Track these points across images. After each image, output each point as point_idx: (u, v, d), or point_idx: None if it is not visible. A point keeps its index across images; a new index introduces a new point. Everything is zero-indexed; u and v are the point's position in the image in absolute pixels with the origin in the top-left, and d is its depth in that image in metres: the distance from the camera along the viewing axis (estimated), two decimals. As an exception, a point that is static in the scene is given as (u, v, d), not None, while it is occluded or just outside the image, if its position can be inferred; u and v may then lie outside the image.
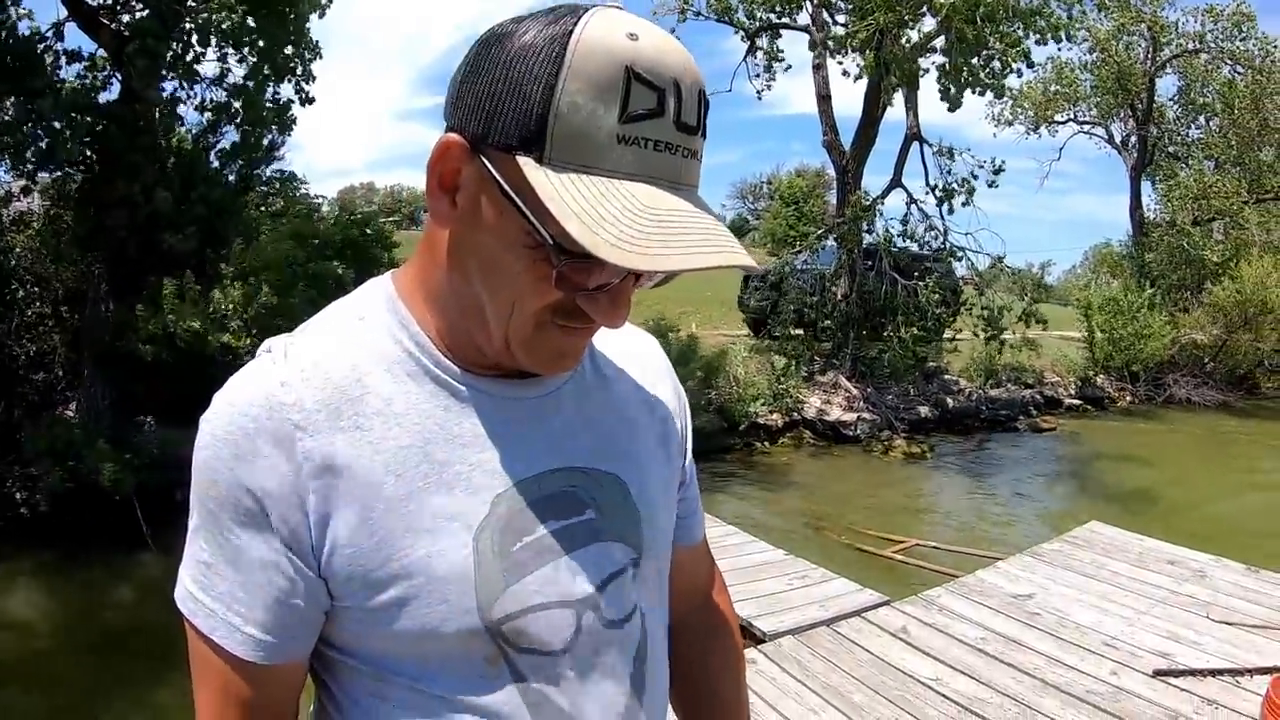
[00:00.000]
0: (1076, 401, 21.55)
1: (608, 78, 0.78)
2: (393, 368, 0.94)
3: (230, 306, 9.00)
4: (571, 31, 0.79)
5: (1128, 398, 22.96)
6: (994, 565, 6.64)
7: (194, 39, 10.33)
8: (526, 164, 0.80)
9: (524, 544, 0.94)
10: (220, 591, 0.90)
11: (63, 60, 9.97)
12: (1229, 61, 27.86)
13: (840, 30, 16.35)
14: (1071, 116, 31.97)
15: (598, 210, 0.77)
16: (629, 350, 1.17)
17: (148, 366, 8.95)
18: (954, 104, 16.00)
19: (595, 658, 0.99)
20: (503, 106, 0.81)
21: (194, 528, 0.92)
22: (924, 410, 17.30)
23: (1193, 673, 4.67)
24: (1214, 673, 4.67)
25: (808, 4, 17.70)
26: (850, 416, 15.85)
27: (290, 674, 0.95)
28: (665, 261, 0.77)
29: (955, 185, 16.97)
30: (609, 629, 1.00)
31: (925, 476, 14.11)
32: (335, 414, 0.90)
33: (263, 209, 10.93)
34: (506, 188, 0.81)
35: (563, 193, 0.78)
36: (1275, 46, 27.04)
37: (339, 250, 9.81)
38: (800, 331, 17.43)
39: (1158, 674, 4.65)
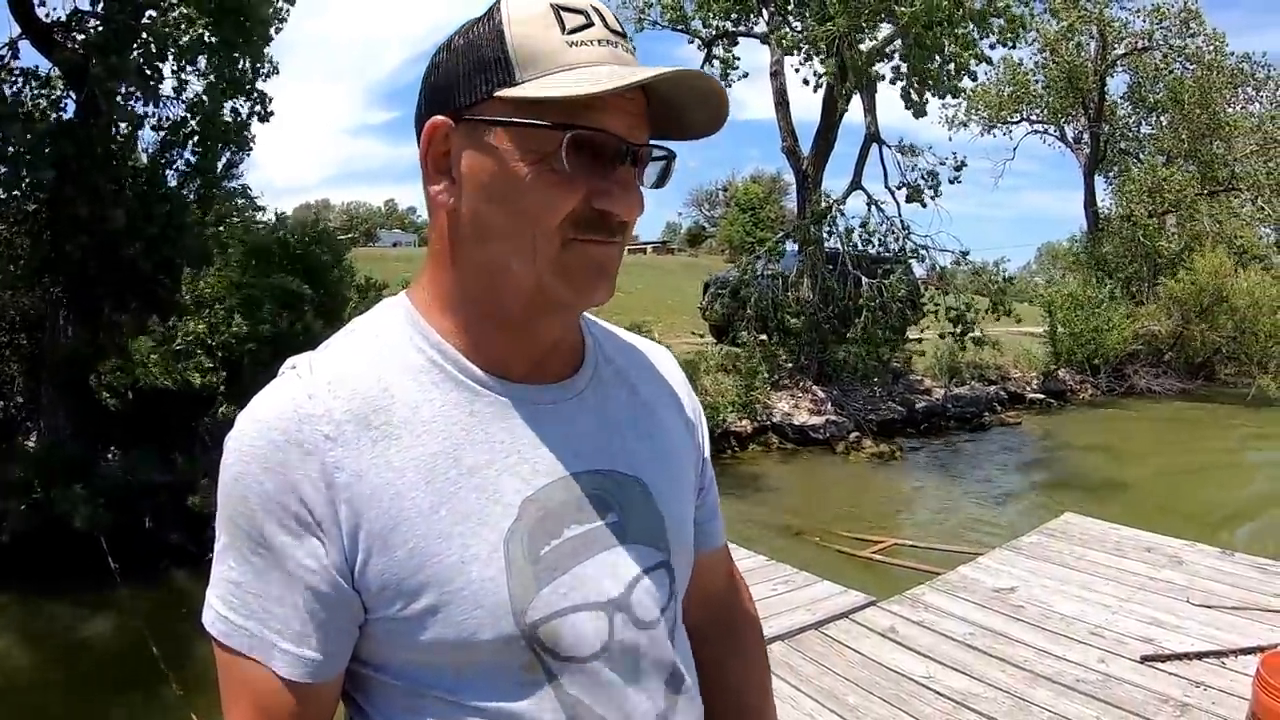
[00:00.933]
0: (1040, 396, 21.82)
1: (538, 14, 0.91)
2: (418, 376, 0.97)
3: (195, 339, 8.82)
4: (498, 6, 0.93)
5: (1089, 390, 23.27)
6: (974, 561, 6.65)
7: (152, 54, 10.18)
8: (506, 91, 0.90)
9: (552, 547, 0.96)
10: (253, 609, 0.90)
11: (19, 79, 9.81)
12: (1178, 58, 28.29)
13: (797, 35, 16.37)
14: (1024, 116, 32.36)
15: (578, 78, 0.88)
16: (646, 358, 1.21)
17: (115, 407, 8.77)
18: (918, 111, 16.15)
19: (628, 660, 1.00)
20: (467, 73, 0.93)
21: (222, 547, 0.92)
22: (891, 411, 17.38)
23: (1179, 657, 4.69)
24: (1199, 655, 4.70)
25: (764, 10, 17.77)
26: (818, 420, 15.91)
27: (327, 692, 0.95)
28: (648, 72, 0.89)
29: (921, 180, 17.09)
30: (640, 630, 1.01)
31: (896, 476, 14.21)
32: (364, 424, 0.92)
33: (220, 229, 10.69)
34: (500, 118, 0.91)
35: (546, 85, 0.89)
36: (1224, 40, 27.53)
37: (292, 263, 9.64)
38: (765, 337, 17.46)
39: (1145, 660, 4.66)
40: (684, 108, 0.97)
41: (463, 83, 0.93)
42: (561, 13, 0.91)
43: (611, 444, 1.05)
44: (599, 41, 0.92)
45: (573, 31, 0.91)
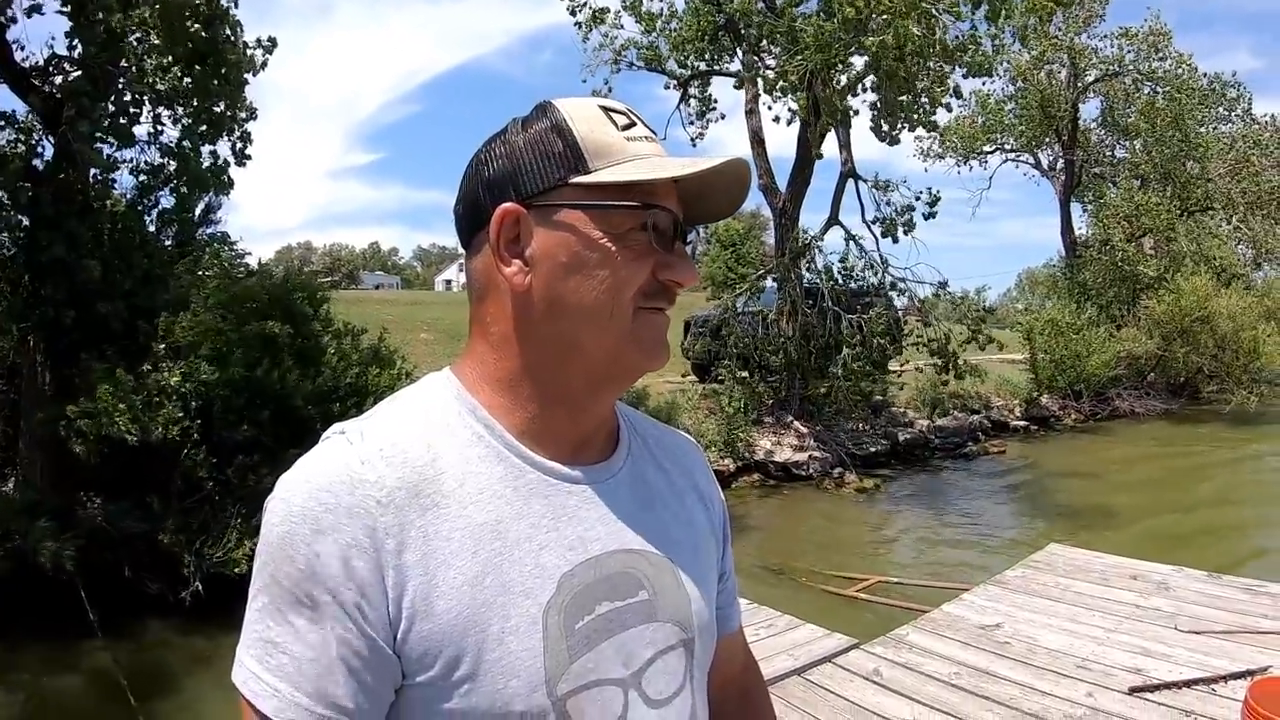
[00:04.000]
0: (1024, 423, 21.86)
1: (594, 115, 1.02)
2: (464, 450, 1.00)
3: (168, 386, 8.68)
4: (552, 106, 1.03)
5: (1073, 415, 23.33)
6: (959, 598, 6.56)
7: (128, 100, 10.14)
8: (582, 178, 0.99)
9: (585, 622, 0.98)
10: (287, 671, 0.89)
11: None
12: (1148, 82, 28.61)
13: (771, 74, 16.44)
14: (999, 146, 32.64)
15: (652, 166, 0.99)
16: (673, 445, 1.27)
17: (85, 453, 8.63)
18: (891, 140, 16.21)
19: None
20: (534, 165, 1.00)
21: (261, 606, 0.92)
22: (874, 444, 17.34)
23: (1168, 686, 4.63)
24: (1189, 684, 4.64)
25: (739, 50, 17.86)
26: (801, 456, 15.86)
27: None
28: (715, 160, 0.99)
29: (895, 216, 17.12)
30: (651, 708, 1.03)
31: (881, 511, 14.13)
32: (414, 492, 0.94)
33: (197, 274, 10.53)
34: (580, 201, 0.99)
35: (623, 171, 0.98)
36: (1190, 62, 27.87)
37: (267, 308, 9.51)
38: (746, 374, 17.42)
39: (1133, 691, 4.60)
40: (706, 195, 1.07)
41: (529, 173, 1.00)
42: (610, 113, 1.03)
43: (646, 524, 1.09)
44: (645, 138, 1.03)
45: (624, 129, 1.02)
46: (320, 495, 0.91)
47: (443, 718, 0.92)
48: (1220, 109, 30.41)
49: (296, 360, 9.06)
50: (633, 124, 1.03)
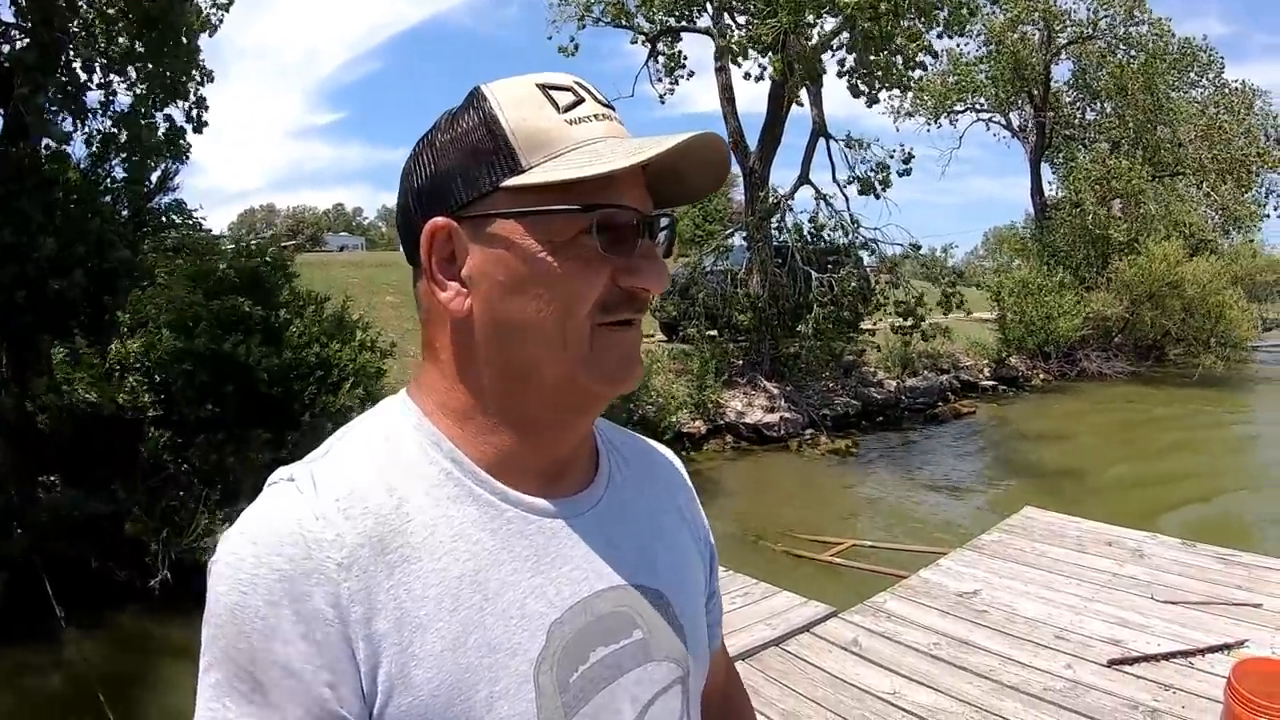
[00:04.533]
0: (992, 383, 22.03)
1: (529, 97, 0.87)
2: (432, 491, 0.89)
3: (130, 357, 8.48)
4: (481, 95, 0.89)
5: (1041, 375, 23.53)
6: (935, 563, 6.53)
7: (78, 67, 9.84)
8: (515, 181, 0.85)
9: (580, 673, 0.90)
10: None
11: None
12: (1122, 46, 28.65)
13: (742, 33, 16.25)
14: (970, 106, 32.65)
15: (592, 156, 0.84)
16: (655, 462, 1.18)
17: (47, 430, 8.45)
18: (870, 100, 16.16)
19: None
20: (462, 168, 0.87)
21: (215, 683, 0.81)
22: (845, 405, 17.37)
23: (1146, 659, 4.62)
24: (1167, 656, 4.63)
25: (708, 6, 17.64)
26: (773, 417, 15.84)
27: None
28: (670, 141, 0.83)
29: (871, 173, 17.07)
30: None
31: (853, 472, 14.14)
32: (380, 548, 0.83)
33: (158, 245, 10.27)
34: (515, 209, 0.85)
35: (559, 167, 0.84)
36: (1168, 28, 27.91)
37: (238, 285, 9.31)
38: (715, 333, 17.37)
39: (1112, 663, 4.59)
40: (685, 173, 0.93)
41: (459, 179, 0.87)
42: (550, 91, 0.88)
43: (632, 556, 1.00)
44: (595, 117, 0.88)
45: (567, 109, 0.87)
46: (271, 560, 0.80)
47: None
48: (1192, 74, 30.52)
49: (265, 337, 8.87)
50: (580, 100, 0.89)
